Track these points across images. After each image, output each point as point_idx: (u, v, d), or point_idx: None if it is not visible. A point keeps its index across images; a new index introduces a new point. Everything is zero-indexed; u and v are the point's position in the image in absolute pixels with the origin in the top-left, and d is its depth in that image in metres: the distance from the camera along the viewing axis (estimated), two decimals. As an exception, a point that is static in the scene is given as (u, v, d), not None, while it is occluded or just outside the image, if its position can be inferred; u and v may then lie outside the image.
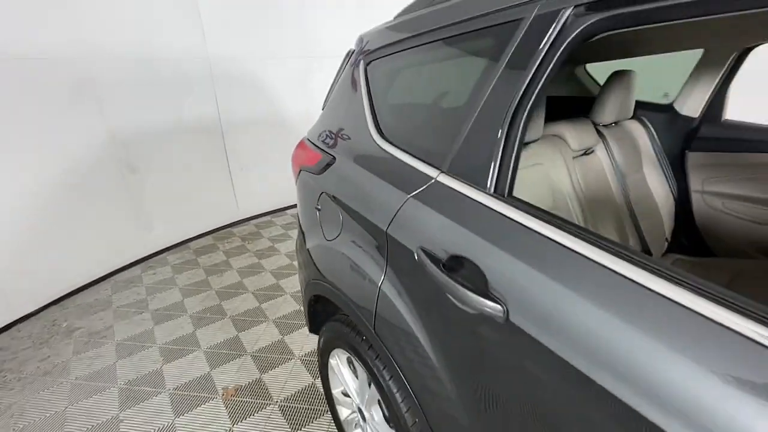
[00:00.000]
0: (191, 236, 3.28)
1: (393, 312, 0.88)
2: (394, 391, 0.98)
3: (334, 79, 1.34)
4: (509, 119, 0.69)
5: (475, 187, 0.73)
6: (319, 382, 1.75)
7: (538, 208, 0.66)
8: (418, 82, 1.04)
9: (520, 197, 0.70)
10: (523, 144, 1.10)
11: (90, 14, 2.36)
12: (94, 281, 2.68)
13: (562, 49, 0.63)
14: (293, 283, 2.59)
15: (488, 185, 0.71)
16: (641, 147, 1.56)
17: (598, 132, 1.41)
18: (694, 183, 1.57)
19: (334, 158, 1.16)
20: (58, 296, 2.49)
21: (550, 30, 0.64)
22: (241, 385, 1.77)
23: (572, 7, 0.61)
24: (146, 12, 2.62)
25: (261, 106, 3.41)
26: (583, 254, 0.55)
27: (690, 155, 1.57)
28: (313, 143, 1.33)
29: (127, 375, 1.87)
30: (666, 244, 1.56)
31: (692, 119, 1.56)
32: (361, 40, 1.25)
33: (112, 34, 2.48)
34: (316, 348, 1.68)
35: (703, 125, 1.55)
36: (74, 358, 2.00)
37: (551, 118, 1.34)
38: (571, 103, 1.66)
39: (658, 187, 1.55)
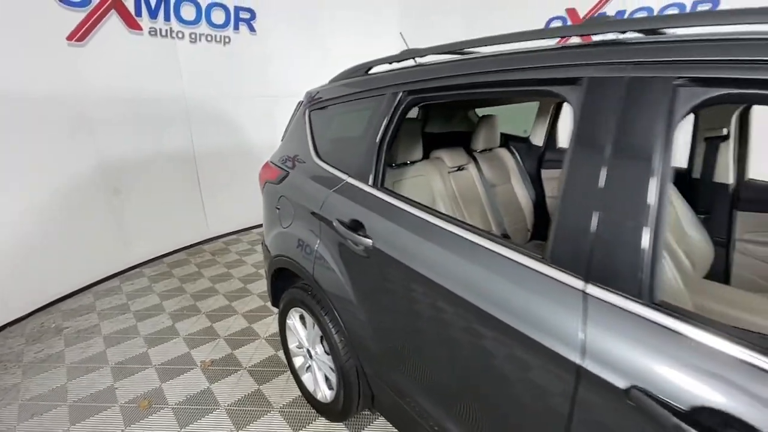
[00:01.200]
0: (165, 252, 3.66)
1: (324, 261, 1.43)
2: (330, 325, 1.51)
3: (290, 120, 1.93)
4: (377, 147, 1.30)
5: (364, 182, 1.32)
6: (280, 353, 2.21)
7: (396, 194, 1.25)
8: (338, 123, 1.64)
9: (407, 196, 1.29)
10: (410, 162, 1.74)
11: (87, 61, 2.85)
12: (76, 291, 2.99)
13: (401, 110, 1.25)
14: (259, 286, 3.04)
15: (370, 181, 1.31)
16: (509, 166, 2.25)
17: (472, 155, 2.08)
18: (548, 191, 2.27)
19: (288, 172, 1.73)
20: (44, 303, 2.80)
21: (396, 101, 1.27)
22: (216, 359, 2.21)
23: (402, 92, 1.24)
24: (134, 59, 3.13)
25: (230, 138, 3.93)
26: (414, 213, 1.14)
27: (543, 172, 2.29)
28: (274, 164, 1.90)
29: (117, 358, 2.24)
30: (528, 234, 2.22)
31: (540, 147, 2.28)
32: (307, 94, 1.85)
33: (105, 78, 2.97)
34: (278, 329, 2.15)
35: (547, 151, 2.28)
36: (67, 349, 2.34)
37: (440, 146, 2.00)
38: (463, 136, 2.34)
39: (521, 194, 2.23)
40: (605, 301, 0.72)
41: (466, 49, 1.23)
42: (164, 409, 1.85)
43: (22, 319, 2.66)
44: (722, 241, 1.72)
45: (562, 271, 0.79)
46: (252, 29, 3.89)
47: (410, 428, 1.32)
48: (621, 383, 0.66)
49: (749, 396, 0.57)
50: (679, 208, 1.69)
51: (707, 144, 1.63)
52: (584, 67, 0.83)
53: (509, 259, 0.89)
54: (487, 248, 0.94)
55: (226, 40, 3.73)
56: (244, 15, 3.80)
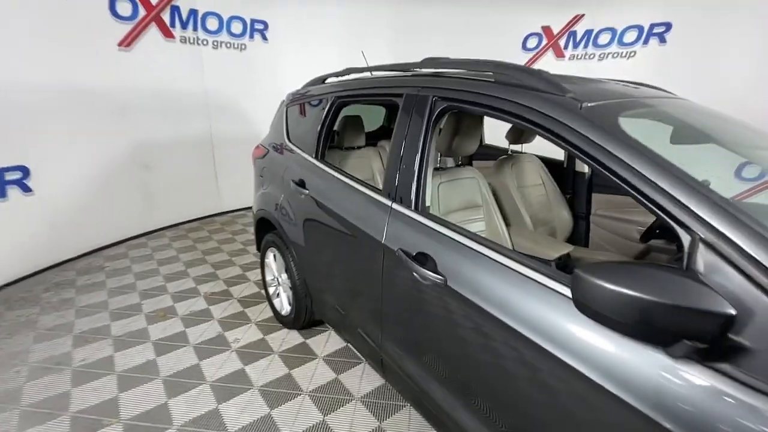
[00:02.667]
0: (184, 220, 4.43)
1: (284, 210, 2.11)
2: (288, 255, 2.19)
3: (275, 115, 2.62)
4: (318, 132, 1.97)
5: (310, 156, 2.00)
6: (263, 291, 2.90)
7: (328, 163, 1.92)
8: (302, 116, 2.32)
9: (346, 170, 1.95)
10: (356, 147, 2.41)
11: (131, 63, 3.63)
12: (113, 243, 3.78)
13: (333, 109, 1.92)
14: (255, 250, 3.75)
15: (314, 155, 1.98)
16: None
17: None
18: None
19: (269, 150, 2.43)
20: (90, 249, 3.59)
21: (329, 103, 1.94)
22: (216, 291, 2.92)
23: (333, 97, 1.91)
24: (167, 61, 3.90)
25: (242, 128, 4.67)
26: (333, 175, 1.82)
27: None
28: (262, 145, 2.60)
29: (143, 287, 2.98)
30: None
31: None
32: (288, 95, 2.54)
33: (144, 76, 3.74)
34: (259, 266, 2.82)
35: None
36: (108, 280, 3.10)
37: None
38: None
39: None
40: (399, 211, 1.37)
41: (374, 72, 1.88)
42: (174, 318, 2.57)
43: (73, 260, 3.45)
44: (583, 215, 2.31)
45: (384, 196, 1.45)
46: (264, 38, 4.63)
47: (327, 316, 2.00)
48: (395, 248, 1.32)
49: (434, 240, 1.21)
50: (550, 190, 2.30)
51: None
52: (403, 87, 1.48)
53: (370, 197, 1.54)
54: (363, 193, 1.60)
55: (243, 46, 4.48)
56: (258, 26, 4.54)
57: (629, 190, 0.85)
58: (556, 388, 0.90)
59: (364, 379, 2.04)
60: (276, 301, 2.53)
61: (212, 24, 4.19)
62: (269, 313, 2.63)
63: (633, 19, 4.59)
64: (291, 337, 2.39)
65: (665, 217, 0.79)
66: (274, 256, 2.44)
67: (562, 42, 5.06)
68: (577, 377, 0.84)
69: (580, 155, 0.94)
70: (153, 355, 2.22)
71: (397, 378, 1.53)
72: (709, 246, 0.72)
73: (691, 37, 4.25)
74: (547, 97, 1.04)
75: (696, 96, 4.19)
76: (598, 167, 0.91)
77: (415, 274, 1.23)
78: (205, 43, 4.18)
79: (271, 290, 2.59)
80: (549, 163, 2.35)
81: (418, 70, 1.58)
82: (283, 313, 2.43)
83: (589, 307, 0.74)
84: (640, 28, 4.56)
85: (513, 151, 2.37)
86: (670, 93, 1.70)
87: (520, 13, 5.10)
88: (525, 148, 2.36)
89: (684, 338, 0.67)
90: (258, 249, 2.72)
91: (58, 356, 2.20)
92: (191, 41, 4.07)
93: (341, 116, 2.22)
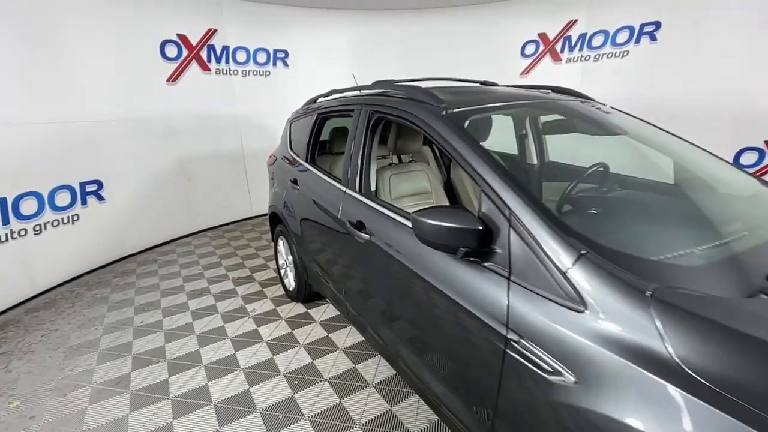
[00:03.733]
0: (221, 223, 5.20)
1: (287, 205, 2.69)
2: (291, 241, 2.76)
3: (283, 129, 3.23)
4: (307, 141, 2.54)
5: (303, 159, 2.57)
6: (278, 276, 3.49)
7: (316, 165, 2.47)
8: (300, 129, 2.89)
9: (333, 171, 2.52)
10: (340, 153, 2.95)
11: (177, 93, 4.45)
12: (163, 242, 4.58)
13: (318, 123, 2.48)
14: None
15: (306, 159, 2.55)
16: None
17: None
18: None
19: (277, 158, 3.04)
20: (146, 247, 4.40)
21: (314, 117, 2.50)
22: (242, 276, 3.56)
23: (317, 113, 2.47)
24: (205, 90, 4.70)
25: (269, 143, 5.37)
26: (318, 174, 2.37)
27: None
28: (273, 154, 3.22)
29: (186, 274, 3.69)
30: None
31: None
32: (292, 113, 3.15)
33: (187, 104, 4.56)
34: (274, 256, 3.41)
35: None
36: (159, 270, 3.84)
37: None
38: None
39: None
40: (348, 194, 1.89)
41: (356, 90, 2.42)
42: (208, 295, 3.22)
43: (134, 255, 4.27)
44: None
45: (342, 184, 1.97)
46: (286, 65, 5.36)
47: (318, 285, 2.53)
48: (345, 219, 1.83)
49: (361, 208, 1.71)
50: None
51: (518, 140, 2.62)
52: (354, 105, 2.00)
53: (333, 185, 2.07)
54: (331, 183, 2.13)
55: (267, 73, 5.22)
56: (280, 55, 5.28)
57: (462, 167, 1.31)
58: (415, 288, 1.38)
59: (349, 336, 2.55)
60: (285, 281, 3.11)
61: (241, 56, 4.97)
62: (281, 292, 3.21)
63: (624, 20, 4.81)
64: (296, 308, 2.95)
65: (474, 180, 1.24)
66: (283, 243, 3.03)
67: (558, 47, 5.35)
68: (421, 279, 1.32)
69: (442, 147, 1.41)
70: (191, 320, 2.86)
71: (351, 316, 2.04)
72: (485, 193, 1.17)
73: (680, 34, 4.41)
74: (425, 107, 1.52)
75: (686, 89, 4.39)
76: (449, 154, 1.37)
77: (354, 236, 1.73)
78: (235, 72, 4.96)
79: (282, 272, 3.17)
80: (504, 157, 2.75)
81: (368, 91, 2.10)
82: (290, 289, 3.00)
83: (419, 235, 1.21)
84: (632, 29, 4.77)
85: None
86: (575, 96, 2.08)
87: (518, 23, 5.48)
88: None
89: (461, 246, 1.12)
90: (272, 238, 3.33)
91: (123, 320, 2.90)
92: (224, 72, 4.86)
93: (331, 128, 2.78)
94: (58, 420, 1.96)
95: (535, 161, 2.60)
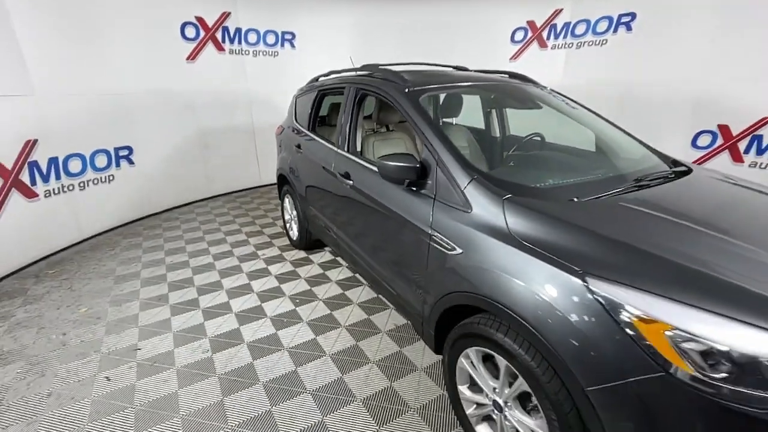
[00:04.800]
0: (234, 190, 5.80)
1: (293, 167, 3.27)
2: (297, 199, 3.35)
3: (290, 104, 3.77)
4: (309, 113, 3.09)
5: (306, 128, 3.13)
6: (283, 230, 4.09)
7: (318, 133, 3.02)
8: (303, 104, 3.42)
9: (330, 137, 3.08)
10: (330, 125, 3.51)
11: (195, 71, 4.98)
12: (183, 204, 5.20)
13: (319, 98, 3.03)
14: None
15: (308, 127, 3.11)
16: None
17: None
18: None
19: (284, 128, 3.60)
20: (168, 207, 5.02)
21: (315, 94, 3.05)
22: (253, 231, 4.17)
23: (317, 90, 3.01)
24: (220, 69, 5.21)
25: (277, 118, 5.88)
26: (318, 140, 2.93)
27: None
28: (281, 125, 3.77)
29: (205, 228, 4.31)
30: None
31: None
32: (297, 90, 3.68)
33: (204, 81, 5.08)
34: (281, 216, 4.00)
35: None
36: (182, 225, 4.46)
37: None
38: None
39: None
40: (340, 152, 2.46)
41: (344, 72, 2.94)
42: (225, 244, 3.84)
43: (158, 213, 4.89)
44: (498, 168, 3.23)
45: (336, 146, 2.53)
46: (293, 46, 5.84)
47: (317, 231, 3.12)
48: (336, 172, 2.41)
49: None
50: (473, 149, 3.25)
51: (485, 115, 3.14)
52: (345, 83, 2.54)
53: (330, 148, 2.63)
54: (328, 146, 2.69)
55: (276, 54, 5.71)
56: (287, 37, 5.75)
57: (414, 128, 1.85)
58: (379, 211, 1.97)
59: (341, 273, 3.16)
60: (291, 233, 3.71)
61: (252, 38, 5.46)
62: (287, 242, 3.82)
63: (604, 10, 5.21)
64: (299, 254, 3.56)
65: (419, 136, 1.79)
66: (289, 201, 3.61)
67: (545, 34, 5.76)
68: (382, 206, 1.90)
69: (403, 114, 1.96)
70: (212, 260, 3.49)
71: (343, 253, 2.64)
72: (425, 145, 1.73)
73: (653, 24, 4.82)
74: (394, 85, 2.06)
75: (656, 77, 4.82)
76: (407, 118, 1.92)
77: (342, 183, 2.31)
78: (247, 53, 5.46)
79: (287, 226, 3.78)
80: (475, 130, 3.28)
81: (357, 72, 2.63)
82: (294, 238, 3.61)
83: (381, 174, 1.78)
84: (610, 18, 5.17)
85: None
86: (524, 81, 2.60)
87: (508, 11, 5.88)
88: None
89: (407, 179, 1.70)
90: (280, 198, 3.92)
91: (157, 260, 3.54)
92: (237, 52, 5.36)
93: (329, 104, 3.32)
94: (118, 320, 2.61)
95: (497, 133, 3.12)
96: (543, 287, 1.17)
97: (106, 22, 4.02)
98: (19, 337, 2.44)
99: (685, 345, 0.92)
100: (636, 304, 0.99)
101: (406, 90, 2.00)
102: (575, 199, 1.43)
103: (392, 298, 2.14)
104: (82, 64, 3.83)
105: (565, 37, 5.62)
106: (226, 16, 5.14)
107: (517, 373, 1.28)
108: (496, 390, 1.43)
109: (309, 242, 3.48)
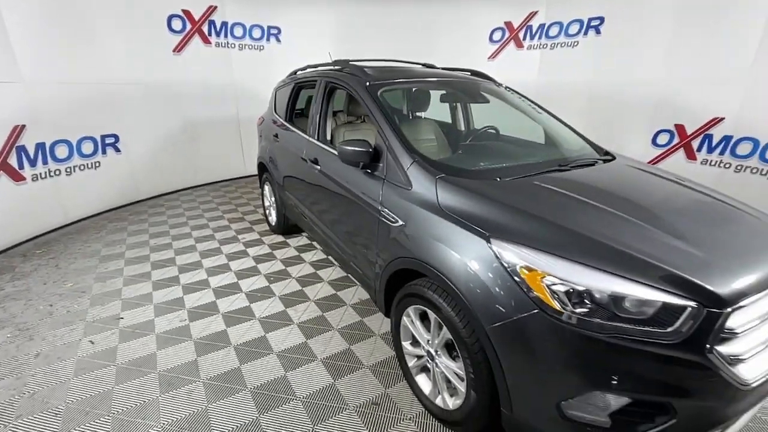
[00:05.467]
0: (219, 180, 5.96)
1: (271, 157, 3.47)
2: (275, 186, 3.55)
3: (270, 96, 3.97)
4: (286, 105, 3.29)
5: (284, 120, 3.33)
6: (263, 216, 4.29)
7: (294, 123, 3.23)
8: (282, 96, 3.62)
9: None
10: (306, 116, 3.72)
11: (181, 63, 5.12)
12: (169, 192, 5.35)
13: (294, 91, 3.23)
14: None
15: (285, 118, 3.31)
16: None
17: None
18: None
19: (264, 119, 3.79)
20: (155, 194, 5.17)
21: (292, 86, 3.25)
22: (234, 217, 4.36)
23: (294, 84, 3.22)
24: (206, 61, 5.36)
25: (261, 111, 6.07)
26: (293, 130, 3.14)
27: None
28: (262, 117, 3.96)
29: (189, 214, 4.49)
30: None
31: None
32: (277, 83, 3.87)
33: (190, 73, 5.23)
34: (261, 202, 4.20)
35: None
36: (167, 212, 4.63)
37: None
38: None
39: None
40: (311, 140, 2.67)
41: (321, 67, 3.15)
42: (207, 229, 4.03)
43: (144, 200, 5.04)
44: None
45: (308, 135, 2.74)
46: (278, 40, 6.00)
47: (299, 219, 3.33)
48: (307, 158, 2.62)
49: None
50: (440, 140, 3.48)
51: (451, 110, 3.38)
52: (318, 77, 2.76)
53: (303, 137, 2.84)
54: (302, 135, 2.90)
55: (261, 47, 5.87)
56: (273, 31, 5.91)
57: (370, 118, 2.07)
58: (340, 192, 2.19)
59: (314, 255, 3.38)
60: (270, 219, 3.92)
61: (238, 31, 5.61)
62: (266, 227, 4.03)
63: (575, 13, 5.47)
64: (277, 238, 3.77)
65: (374, 125, 2.02)
66: (268, 188, 3.81)
67: (521, 34, 6.02)
68: (342, 186, 2.12)
69: (363, 105, 2.17)
70: (194, 243, 3.67)
71: (313, 233, 2.86)
72: (378, 132, 1.96)
73: (620, 28, 5.10)
74: (357, 79, 2.28)
75: (621, 78, 5.05)
76: (365, 109, 2.14)
77: (312, 168, 2.53)
78: (233, 46, 5.61)
79: (267, 213, 3.98)
80: (443, 124, 3.52)
81: (329, 67, 2.84)
82: (273, 224, 3.82)
83: (340, 158, 2.00)
84: (581, 22, 5.44)
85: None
86: (483, 78, 2.84)
87: (487, 11, 6.12)
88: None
89: (361, 162, 1.92)
90: (260, 185, 4.11)
91: (141, 242, 3.71)
92: (223, 45, 5.51)
93: (306, 96, 3.52)
94: (102, 293, 2.80)
95: (462, 126, 3.36)
96: (460, 249, 1.41)
97: (94, 13, 4.15)
98: (8, 308, 2.61)
99: (555, 287, 1.17)
100: (523, 258, 1.24)
101: (367, 84, 2.22)
102: (498, 179, 1.67)
103: (355, 274, 2.37)
104: (71, 53, 3.97)
105: (540, 38, 5.89)
106: (212, 9, 5.29)
107: (442, 323, 1.52)
108: (429, 342, 1.67)
109: (286, 227, 3.69)
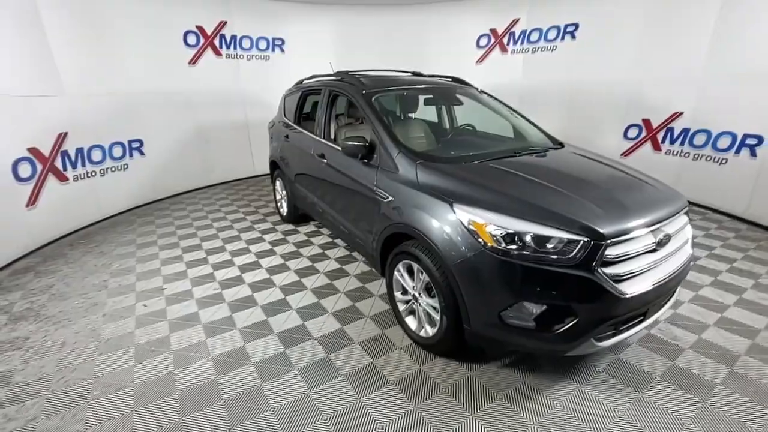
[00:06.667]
0: (231, 179, 6.50)
1: (283, 155, 4.01)
2: (285, 181, 4.09)
3: (279, 102, 4.50)
4: (295, 109, 3.83)
5: (292, 122, 3.86)
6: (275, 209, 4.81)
7: (303, 125, 3.76)
8: (291, 102, 4.15)
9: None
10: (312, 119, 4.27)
11: (195, 73, 5.67)
12: (186, 191, 5.89)
13: (302, 98, 3.76)
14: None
15: (294, 121, 3.84)
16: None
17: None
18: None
19: (275, 123, 4.34)
20: (173, 194, 5.71)
21: (300, 93, 3.78)
22: (249, 211, 4.89)
23: (302, 92, 3.75)
24: (217, 71, 5.91)
25: (268, 115, 6.60)
26: (302, 131, 3.67)
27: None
28: (273, 121, 4.50)
29: (208, 209, 5.02)
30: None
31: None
32: (286, 91, 4.41)
33: (203, 82, 5.78)
34: (273, 197, 4.73)
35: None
36: (188, 207, 5.16)
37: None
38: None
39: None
40: (318, 139, 3.20)
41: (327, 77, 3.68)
42: (226, 221, 4.57)
43: (165, 198, 5.58)
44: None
45: (317, 135, 3.27)
46: (282, 50, 6.55)
47: (309, 208, 3.86)
48: (315, 154, 3.16)
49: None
50: (428, 136, 4.01)
51: (437, 111, 3.90)
52: (323, 86, 3.29)
53: (312, 137, 3.38)
54: (310, 136, 3.43)
55: (267, 57, 6.42)
56: (278, 42, 6.46)
57: (366, 120, 2.60)
58: (343, 180, 2.72)
59: (322, 239, 3.91)
60: (281, 210, 4.45)
61: (246, 43, 6.16)
62: (278, 218, 4.56)
63: (553, 20, 6.00)
64: (288, 227, 4.30)
65: (370, 125, 2.54)
66: (279, 183, 4.35)
67: (505, 40, 6.55)
68: (345, 175, 2.66)
69: (360, 110, 2.70)
70: (215, 232, 4.21)
71: (321, 217, 3.39)
72: (372, 131, 2.48)
73: (592, 33, 5.63)
74: (355, 87, 2.81)
75: (596, 79, 5.57)
76: (362, 113, 2.66)
77: (320, 162, 3.06)
78: (241, 57, 6.16)
79: (278, 204, 4.51)
80: (431, 123, 4.05)
81: (331, 77, 3.37)
82: (284, 214, 4.35)
83: (343, 152, 2.53)
84: (558, 28, 5.97)
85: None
86: (461, 84, 3.37)
87: (475, 19, 6.65)
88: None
89: (360, 154, 2.45)
90: (272, 181, 4.65)
91: (169, 232, 4.25)
92: (232, 56, 6.06)
93: (312, 102, 4.06)
94: (145, 271, 3.33)
95: (447, 124, 3.87)
96: (433, 212, 1.93)
97: (120, 32, 4.70)
98: (69, 283, 3.15)
99: (494, 232, 1.69)
100: (474, 214, 1.76)
101: (363, 91, 2.75)
102: (463, 163, 2.20)
103: (358, 246, 2.89)
104: (102, 69, 4.52)
105: (522, 43, 6.41)
106: (223, 24, 5.84)
107: (423, 270, 2.04)
108: (414, 287, 2.19)
109: (296, 216, 4.22)
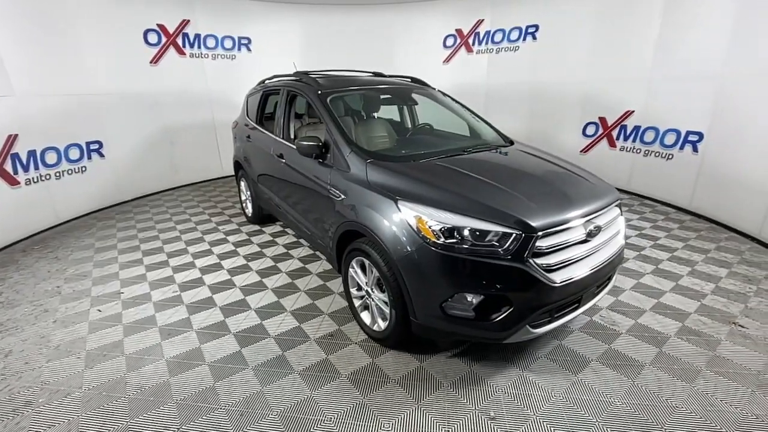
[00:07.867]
0: (198, 180, 6.39)
1: (246, 155, 3.99)
2: (248, 178, 4.07)
3: (242, 102, 4.47)
4: (256, 109, 3.82)
5: (253, 122, 3.85)
6: (239, 205, 4.78)
7: (264, 125, 3.76)
8: (253, 101, 4.14)
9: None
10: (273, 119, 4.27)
11: (158, 73, 5.54)
12: (151, 193, 5.76)
13: (263, 97, 3.76)
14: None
15: (256, 121, 3.83)
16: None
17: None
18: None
19: (237, 123, 4.31)
20: (138, 195, 5.57)
21: (261, 94, 3.78)
22: (214, 212, 4.84)
23: (263, 91, 3.75)
24: (181, 71, 5.80)
25: (234, 115, 6.52)
26: (262, 131, 3.67)
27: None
28: (236, 121, 4.47)
29: (173, 211, 4.93)
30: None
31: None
32: (249, 90, 4.38)
33: (167, 82, 5.65)
34: (238, 197, 4.70)
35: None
36: (151, 209, 5.05)
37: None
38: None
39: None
40: (277, 139, 3.22)
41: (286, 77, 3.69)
42: (191, 223, 4.50)
43: (128, 201, 5.44)
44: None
45: (276, 134, 3.28)
46: (249, 50, 6.48)
47: (272, 208, 3.86)
48: (274, 154, 3.17)
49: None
50: (390, 135, 4.08)
51: (399, 110, 3.97)
52: (282, 86, 3.30)
53: (270, 136, 3.38)
54: (269, 135, 3.44)
55: (233, 57, 6.34)
56: (244, 41, 6.39)
57: (320, 119, 2.63)
58: (300, 178, 2.75)
59: (287, 239, 3.92)
60: (246, 210, 4.43)
61: (211, 42, 6.07)
62: (244, 219, 4.53)
63: (515, 21, 6.18)
64: (253, 227, 4.28)
65: (324, 125, 2.58)
66: (244, 183, 4.32)
67: (470, 40, 6.70)
68: (301, 174, 2.69)
69: (315, 110, 2.73)
70: (179, 234, 4.15)
71: (284, 218, 3.40)
72: (326, 131, 2.53)
73: (551, 34, 5.83)
74: (311, 88, 2.84)
75: (555, 78, 5.75)
76: (317, 113, 2.70)
77: (279, 162, 3.08)
78: (206, 56, 6.06)
79: (243, 205, 4.48)
80: (393, 122, 4.12)
81: (291, 77, 3.38)
82: (249, 214, 4.33)
83: (298, 151, 2.56)
84: (520, 29, 6.15)
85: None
86: (419, 84, 3.45)
87: (441, 19, 6.77)
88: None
89: (315, 154, 2.48)
90: (236, 182, 4.61)
91: (130, 236, 4.15)
92: (197, 56, 5.95)
93: (273, 102, 4.05)
94: (102, 276, 3.26)
95: (408, 124, 3.94)
96: (380, 210, 1.99)
97: (76, 30, 4.56)
98: (20, 290, 3.05)
99: (434, 227, 1.77)
100: (415, 210, 1.83)
101: (319, 92, 2.79)
102: (412, 161, 2.27)
103: (317, 245, 2.93)
104: (56, 68, 4.37)
105: (486, 43, 6.58)
106: (185, 23, 5.73)
107: (373, 266, 2.10)
108: (367, 283, 2.25)
109: (261, 216, 4.21)
